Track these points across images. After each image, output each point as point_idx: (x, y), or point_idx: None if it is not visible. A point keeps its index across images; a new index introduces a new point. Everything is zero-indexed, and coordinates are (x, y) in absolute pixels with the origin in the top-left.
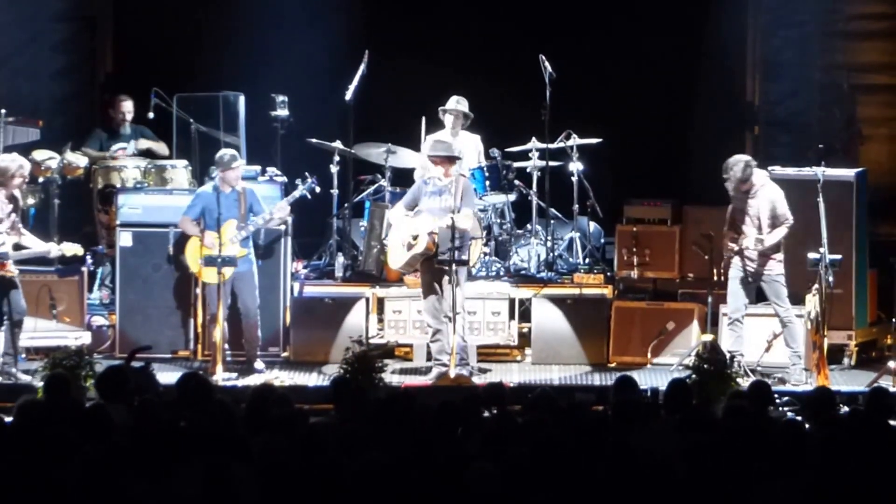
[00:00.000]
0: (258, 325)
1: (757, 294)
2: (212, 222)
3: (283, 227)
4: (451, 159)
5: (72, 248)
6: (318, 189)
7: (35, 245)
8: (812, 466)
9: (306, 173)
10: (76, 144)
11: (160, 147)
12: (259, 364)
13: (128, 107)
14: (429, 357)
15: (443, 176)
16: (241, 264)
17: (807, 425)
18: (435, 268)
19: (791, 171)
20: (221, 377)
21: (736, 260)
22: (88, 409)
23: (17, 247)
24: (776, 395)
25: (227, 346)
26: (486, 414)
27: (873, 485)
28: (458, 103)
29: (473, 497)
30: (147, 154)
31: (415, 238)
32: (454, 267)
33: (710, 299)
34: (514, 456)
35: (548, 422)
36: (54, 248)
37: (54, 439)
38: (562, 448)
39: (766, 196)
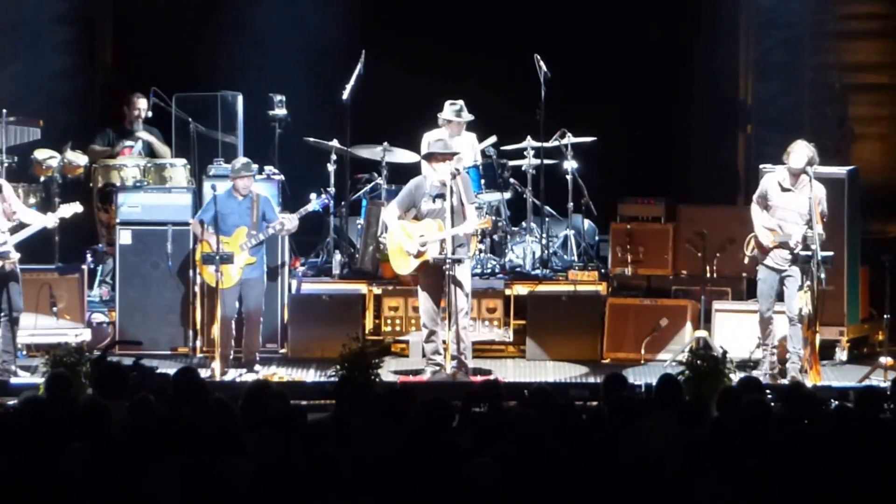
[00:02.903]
0: (259, 331)
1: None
2: (223, 227)
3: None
4: (450, 156)
5: (69, 209)
6: (331, 206)
7: (34, 220)
8: (806, 461)
9: (321, 188)
10: (78, 144)
11: (163, 149)
12: (257, 367)
13: (142, 104)
14: (423, 355)
15: (447, 172)
16: (251, 271)
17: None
18: (436, 269)
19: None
20: (219, 375)
21: (768, 260)
22: (86, 405)
23: (17, 228)
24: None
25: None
26: (480, 409)
27: (866, 479)
28: (460, 113)
29: (470, 492)
30: (148, 152)
31: (423, 246)
32: (455, 266)
33: (703, 296)
34: (506, 451)
35: (539, 417)
36: (51, 219)
37: (53, 436)
38: (555, 444)
39: (815, 191)
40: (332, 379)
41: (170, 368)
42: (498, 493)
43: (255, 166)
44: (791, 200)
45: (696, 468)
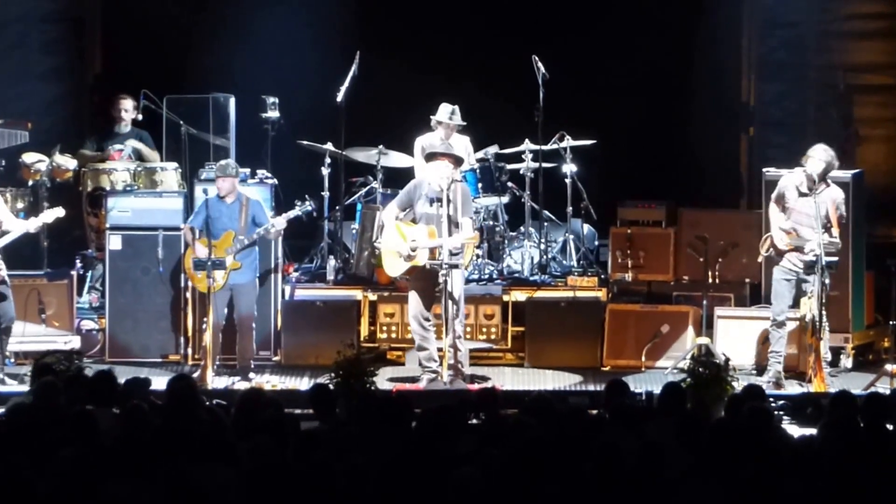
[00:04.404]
0: (253, 338)
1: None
2: (212, 231)
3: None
4: (457, 159)
5: (51, 214)
6: (315, 213)
7: (16, 227)
8: (813, 470)
9: (306, 196)
10: (66, 146)
11: (152, 155)
12: (251, 375)
13: (126, 105)
14: (419, 363)
15: (444, 176)
16: (240, 276)
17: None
18: (427, 273)
19: (786, 172)
20: (212, 383)
21: (785, 262)
22: (74, 413)
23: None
24: (770, 399)
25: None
26: (476, 420)
27: (872, 488)
28: (452, 115)
29: (458, 501)
30: (137, 156)
31: (414, 250)
32: (450, 273)
33: (705, 302)
34: (500, 459)
35: (535, 424)
36: (32, 223)
37: (41, 443)
38: (552, 451)
39: (832, 196)
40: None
41: (162, 376)
42: (484, 501)
43: (235, 168)
44: (807, 205)
45: (696, 475)
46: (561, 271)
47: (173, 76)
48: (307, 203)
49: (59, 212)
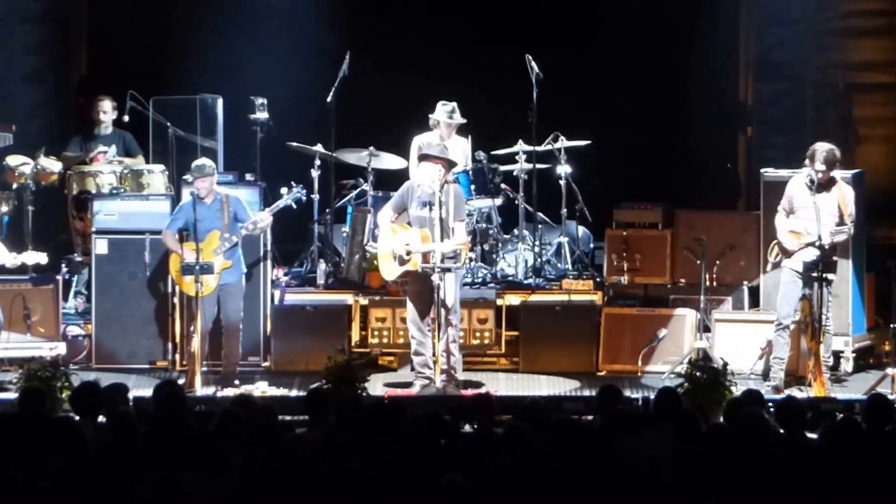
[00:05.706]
0: (240, 341)
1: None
2: (198, 233)
3: (262, 233)
4: (449, 163)
5: (33, 257)
6: (304, 199)
7: None
8: (812, 475)
9: (292, 182)
10: (51, 149)
11: (137, 161)
12: (236, 381)
13: (106, 106)
14: (412, 368)
15: (434, 179)
16: (228, 275)
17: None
18: (423, 277)
19: (785, 173)
20: (200, 390)
21: (791, 263)
22: (58, 421)
23: None
24: (769, 404)
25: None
26: (470, 427)
27: (873, 492)
28: (452, 114)
29: None
30: (124, 156)
31: (408, 254)
32: (445, 276)
33: (702, 305)
34: (493, 466)
35: (530, 431)
36: (11, 259)
37: (28, 452)
38: (545, 458)
39: (842, 192)
40: None
41: (149, 383)
42: None
43: (212, 167)
44: (815, 200)
45: (692, 481)
46: (556, 274)
47: (160, 77)
48: (295, 189)
49: (42, 258)
